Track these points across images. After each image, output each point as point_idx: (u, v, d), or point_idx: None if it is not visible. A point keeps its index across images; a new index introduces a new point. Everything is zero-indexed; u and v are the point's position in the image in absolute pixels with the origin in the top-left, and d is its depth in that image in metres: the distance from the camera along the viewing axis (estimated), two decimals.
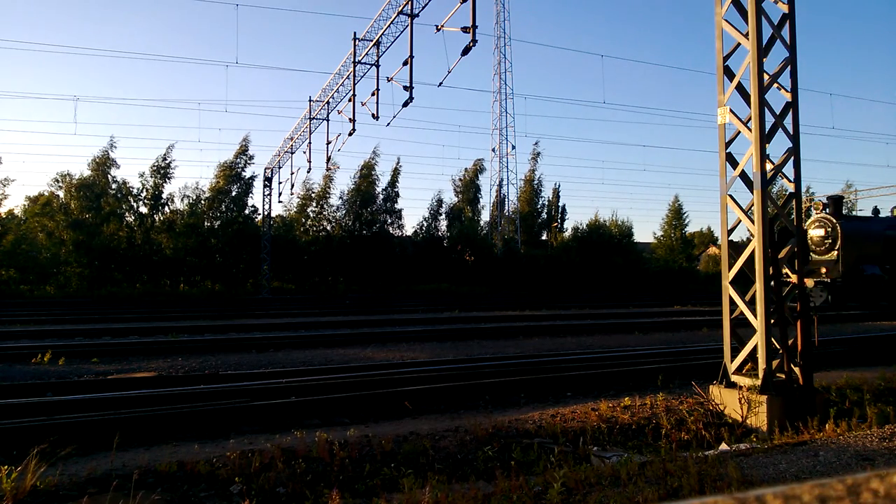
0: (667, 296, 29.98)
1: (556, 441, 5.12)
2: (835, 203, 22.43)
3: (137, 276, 31.10)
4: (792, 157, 6.07)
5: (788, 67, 6.05)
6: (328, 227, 36.97)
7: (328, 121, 22.62)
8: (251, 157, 35.66)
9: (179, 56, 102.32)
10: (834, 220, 21.52)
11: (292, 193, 33.27)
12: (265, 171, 32.25)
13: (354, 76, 18.77)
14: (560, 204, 47.67)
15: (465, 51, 13.01)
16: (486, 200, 43.40)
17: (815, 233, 22.06)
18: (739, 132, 6.11)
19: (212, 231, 33.80)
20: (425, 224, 40.69)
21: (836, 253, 21.24)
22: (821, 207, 22.88)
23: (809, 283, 21.36)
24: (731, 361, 6.17)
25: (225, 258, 33.30)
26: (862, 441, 4.60)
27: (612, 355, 9.48)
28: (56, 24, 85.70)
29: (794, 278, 6.06)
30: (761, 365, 5.76)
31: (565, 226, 47.03)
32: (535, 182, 45.35)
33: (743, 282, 6.12)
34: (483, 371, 8.13)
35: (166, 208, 33.94)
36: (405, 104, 15.55)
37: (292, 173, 28.64)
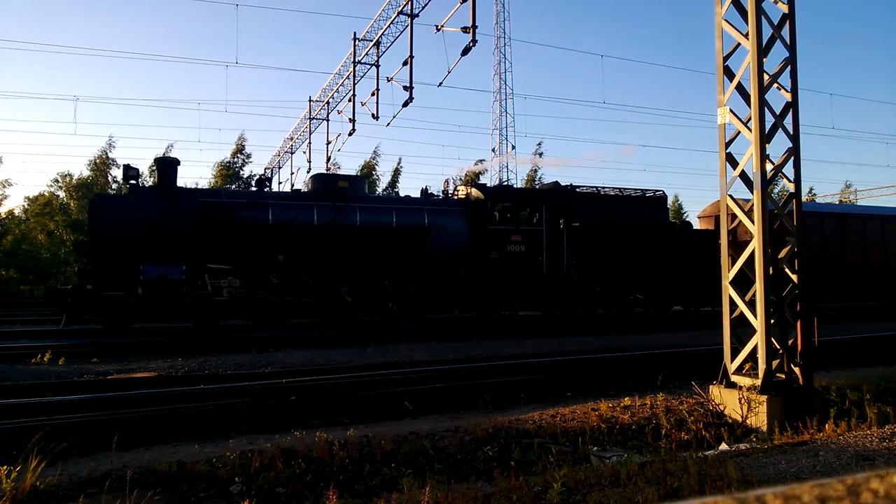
0: None
1: (556, 441, 5.12)
2: (259, 182, 15.53)
3: None
4: (792, 157, 6.07)
5: (788, 67, 6.05)
6: None
7: (328, 121, 22.68)
8: (248, 156, 35.61)
9: (179, 56, 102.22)
10: None
11: None
12: (265, 171, 32.27)
13: (354, 76, 18.79)
14: None
15: (465, 51, 13.02)
16: None
17: None
18: (739, 132, 6.10)
19: None
20: None
21: None
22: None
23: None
24: (731, 361, 6.17)
25: None
26: (862, 441, 4.60)
27: (611, 355, 9.47)
28: (56, 24, 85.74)
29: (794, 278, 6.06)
30: (761, 365, 5.76)
31: None
32: (537, 182, 45.32)
33: (743, 282, 6.12)
34: (483, 371, 8.12)
35: None
36: (405, 104, 15.58)
37: (292, 173, 28.73)
